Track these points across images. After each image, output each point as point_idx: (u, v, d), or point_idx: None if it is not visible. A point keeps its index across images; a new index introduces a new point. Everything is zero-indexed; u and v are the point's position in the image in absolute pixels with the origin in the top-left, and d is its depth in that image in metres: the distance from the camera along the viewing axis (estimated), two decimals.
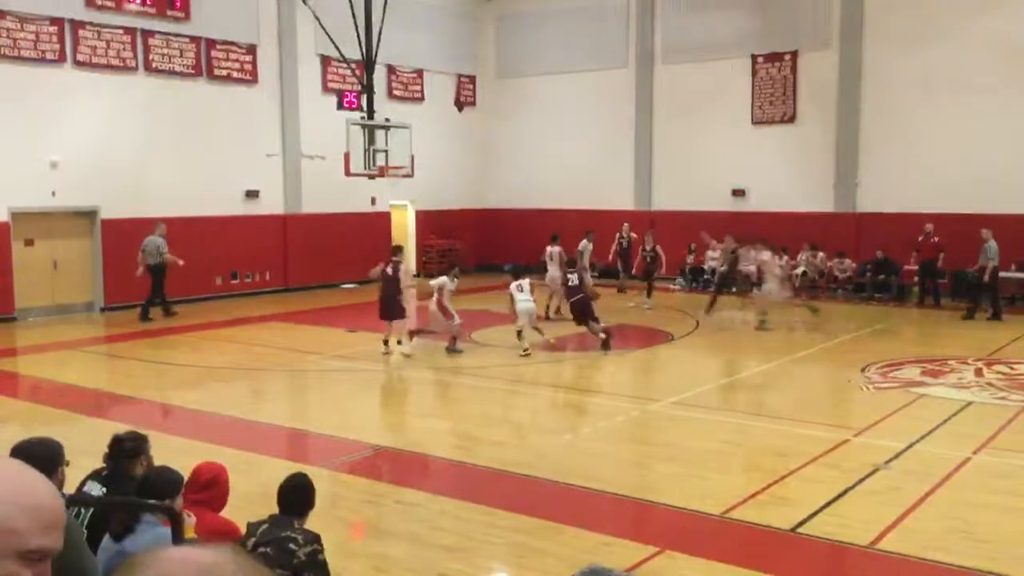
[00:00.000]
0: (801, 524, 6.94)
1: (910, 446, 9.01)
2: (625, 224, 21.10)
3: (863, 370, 12.82)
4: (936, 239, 18.97)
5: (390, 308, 14.11)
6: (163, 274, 17.87)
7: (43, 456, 4.05)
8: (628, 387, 12.83)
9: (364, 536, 7.19)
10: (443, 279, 14.41)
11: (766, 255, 17.46)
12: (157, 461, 4.93)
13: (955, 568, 6.13)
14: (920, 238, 18.97)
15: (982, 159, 19.73)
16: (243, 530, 4.66)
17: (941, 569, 6.14)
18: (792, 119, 22.57)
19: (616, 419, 10.42)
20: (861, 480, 7.98)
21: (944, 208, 19.95)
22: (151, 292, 17.81)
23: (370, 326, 16.77)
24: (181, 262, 17.89)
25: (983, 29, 19.81)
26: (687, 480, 8.14)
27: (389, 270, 14.20)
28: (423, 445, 9.43)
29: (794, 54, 22.39)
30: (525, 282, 14.43)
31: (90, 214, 18.76)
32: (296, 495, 4.72)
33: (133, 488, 4.67)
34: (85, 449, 5.44)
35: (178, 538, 3.62)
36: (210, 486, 4.80)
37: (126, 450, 4.89)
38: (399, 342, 14.13)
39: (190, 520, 4.29)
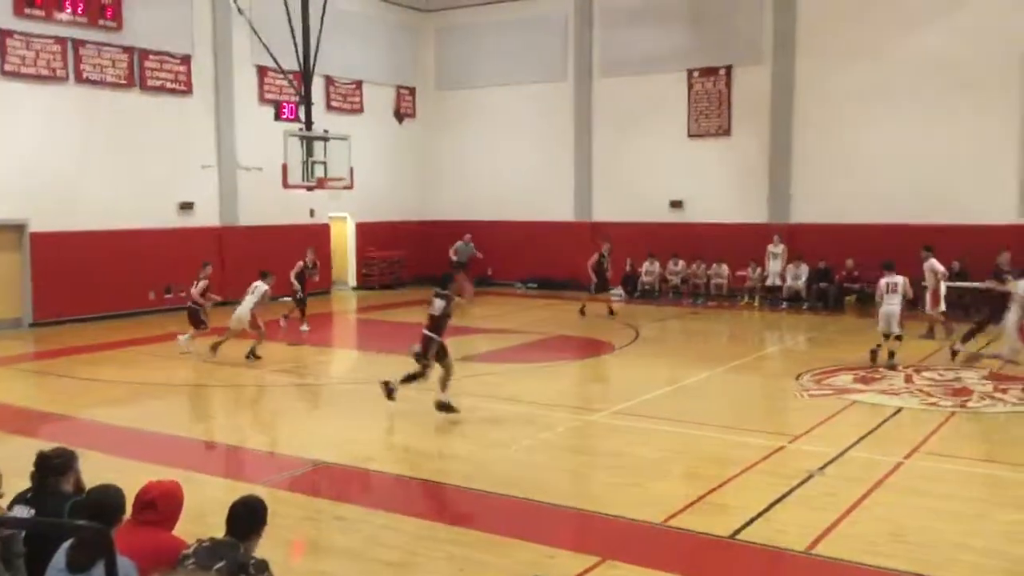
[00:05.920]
0: (739, 531, 7.03)
1: (844, 452, 9.20)
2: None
3: (797, 378, 13.07)
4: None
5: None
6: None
7: None
8: (569, 397, 12.87)
9: (304, 554, 7.09)
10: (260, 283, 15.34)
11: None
12: (89, 480, 4.79)
13: (889, 571, 6.25)
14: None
15: (913, 171, 20.36)
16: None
17: (876, 573, 6.26)
18: (727, 132, 22.98)
19: (557, 430, 10.45)
20: (797, 486, 8.12)
21: (874, 219, 20.58)
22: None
23: (311, 340, 16.62)
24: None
25: (911, 45, 20.44)
26: (628, 489, 8.19)
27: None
28: (363, 459, 9.32)
29: (728, 69, 22.81)
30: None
31: (18, 228, 18.25)
32: (250, 517, 4.48)
33: (63, 506, 4.50)
34: (14, 470, 5.26)
35: (110, 565, 3.43)
36: (151, 506, 4.40)
37: (54, 466, 4.69)
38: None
39: None
